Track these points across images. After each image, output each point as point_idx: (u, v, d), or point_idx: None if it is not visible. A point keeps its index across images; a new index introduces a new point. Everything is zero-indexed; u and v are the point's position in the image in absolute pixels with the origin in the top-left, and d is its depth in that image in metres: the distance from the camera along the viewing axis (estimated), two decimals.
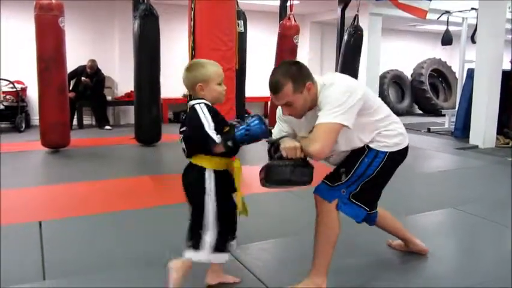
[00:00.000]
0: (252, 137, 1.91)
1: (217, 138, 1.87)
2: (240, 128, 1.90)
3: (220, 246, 2.00)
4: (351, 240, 2.64)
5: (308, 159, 2.01)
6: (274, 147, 2.07)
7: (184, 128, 2.04)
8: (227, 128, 1.94)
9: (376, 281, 2.31)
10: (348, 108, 1.93)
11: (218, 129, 1.90)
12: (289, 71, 1.98)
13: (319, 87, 2.03)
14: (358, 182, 2.11)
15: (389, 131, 2.14)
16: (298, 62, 2.10)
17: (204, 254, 1.97)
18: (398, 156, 2.19)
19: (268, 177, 1.99)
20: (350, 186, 2.11)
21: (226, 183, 2.01)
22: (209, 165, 1.98)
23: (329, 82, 2.02)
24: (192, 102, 2.01)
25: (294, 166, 1.95)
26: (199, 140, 1.92)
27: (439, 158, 5.90)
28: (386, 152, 2.12)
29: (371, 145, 2.11)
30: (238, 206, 2.01)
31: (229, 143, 1.89)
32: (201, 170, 1.98)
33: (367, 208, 2.18)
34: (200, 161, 1.99)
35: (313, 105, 2.05)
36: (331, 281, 2.15)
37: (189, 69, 2.06)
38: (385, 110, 2.17)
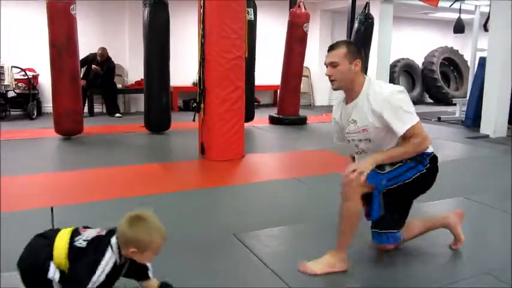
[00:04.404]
0: None
1: None
2: None
3: None
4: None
5: None
6: None
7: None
8: None
9: (384, 267, 2.33)
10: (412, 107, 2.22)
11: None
12: (350, 44, 2.35)
13: (366, 81, 2.26)
14: (396, 180, 2.19)
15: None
16: (359, 47, 2.37)
17: None
18: (435, 170, 2.29)
19: None
20: (390, 180, 2.19)
21: None
22: None
23: (377, 84, 2.26)
24: (113, 241, 1.74)
25: None
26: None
27: (450, 147, 5.86)
28: (428, 164, 2.23)
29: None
30: None
31: None
32: None
33: (383, 212, 2.21)
34: None
35: (353, 88, 2.26)
36: (334, 278, 2.19)
37: (131, 223, 1.74)
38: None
